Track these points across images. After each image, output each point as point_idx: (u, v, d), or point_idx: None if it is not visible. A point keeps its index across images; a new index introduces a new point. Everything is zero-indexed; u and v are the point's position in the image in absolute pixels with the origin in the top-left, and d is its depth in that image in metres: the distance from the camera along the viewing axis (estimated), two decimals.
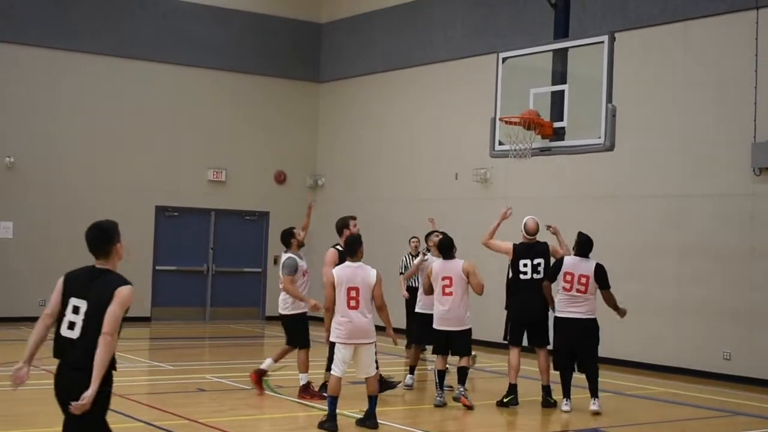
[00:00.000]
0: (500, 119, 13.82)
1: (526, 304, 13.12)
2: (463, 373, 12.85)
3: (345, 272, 10.90)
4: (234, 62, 24.53)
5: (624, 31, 16.03)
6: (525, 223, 13.49)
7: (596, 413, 12.32)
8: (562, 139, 13.39)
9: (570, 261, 12.72)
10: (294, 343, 12.94)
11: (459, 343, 12.89)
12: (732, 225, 16.59)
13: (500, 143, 14.01)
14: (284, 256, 13.15)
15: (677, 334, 17.13)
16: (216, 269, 24.19)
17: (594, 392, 12.52)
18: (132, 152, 23.14)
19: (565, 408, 12.57)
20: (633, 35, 17.32)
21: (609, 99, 12.59)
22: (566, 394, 12.64)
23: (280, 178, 25.19)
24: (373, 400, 10.88)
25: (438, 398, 12.78)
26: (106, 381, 6.51)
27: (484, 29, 21.00)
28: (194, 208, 24.09)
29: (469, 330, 13.00)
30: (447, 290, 12.87)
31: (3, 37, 21.79)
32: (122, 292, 6.47)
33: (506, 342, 13.48)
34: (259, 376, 13.03)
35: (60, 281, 6.70)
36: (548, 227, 13.86)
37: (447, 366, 13.11)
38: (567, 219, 18.78)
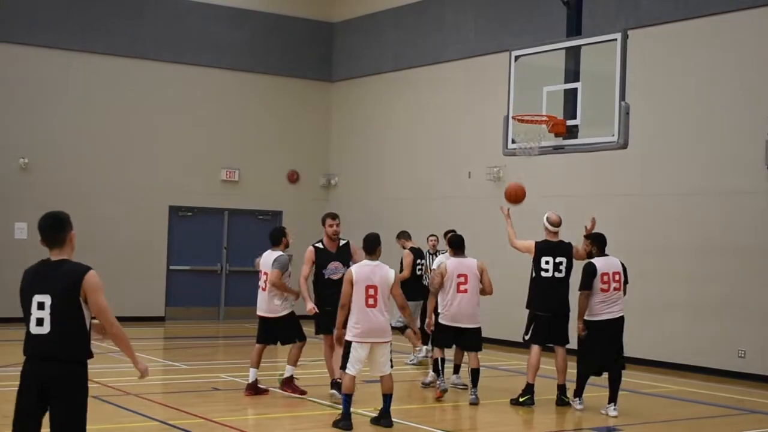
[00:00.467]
0: (513, 117, 13.82)
1: (548, 302, 12.99)
2: (477, 375, 12.94)
3: (363, 270, 10.89)
4: (246, 62, 24.56)
5: (637, 29, 16.02)
6: (548, 218, 13.47)
7: (615, 418, 12.24)
8: (576, 137, 13.39)
9: (601, 262, 12.55)
10: (299, 338, 12.93)
11: (471, 339, 13.04)
12: (747, 223, 16.55)
13: (513, 141, 14.02)
14: (275, 253, 13.01)
15: (692, 332, 17.09)
16: (230, 269, 24.22)
17: (615, 397, 12.42)
18: (145, 152, 23.19)
19: (579, 406, 12.52)
20: (646, 33, 17.28)
21: (622, 97, 12.58)
22: (581, 393, 12.59)
23: (293, 178, 25.22)
24: (388, 399, 10.89)
25: (441, 383, 13.06)
26: (85, 372, 6.61)
27: (496, 28, 20.99)
28: (208, 207, 24.13)
29: (480, 328, 13.00)
30: (462, 287, 12.90)
31: (17, 38, 21.86)
32: (92, 280, 6.52)
33: (525, 341, 13.36)
34: (289, 383, 13.05)
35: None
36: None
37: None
38: (580, 217, 18.75)
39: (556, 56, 13.82)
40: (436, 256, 16.39)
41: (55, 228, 6.76)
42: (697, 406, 13.65)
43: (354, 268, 10.93)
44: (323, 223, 13.03)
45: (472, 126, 21.29)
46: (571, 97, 13.38)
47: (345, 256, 12.79)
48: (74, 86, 22.43)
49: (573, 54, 13.59)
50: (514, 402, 12.95)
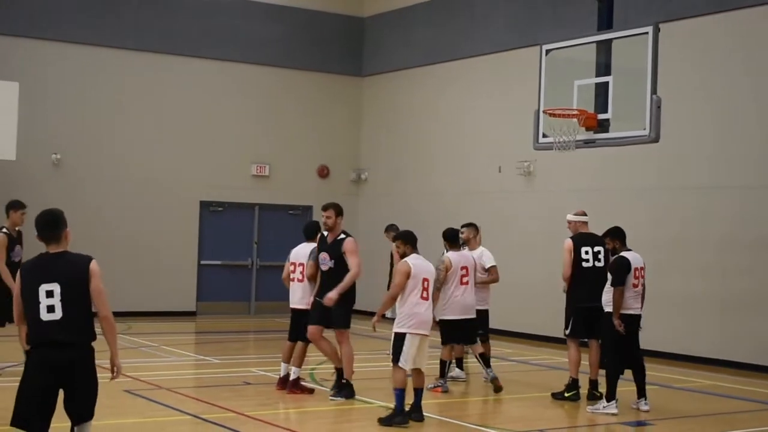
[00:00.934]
0: (544, 111, 13.80)
1: (591, 293, 12.67)
2: (487, 358, 13.50)
3: (418, 263, 10.98)
4: (277, 57, 24.61)
5: (668, 22, 15.91)
6: (575, 213, 13.50)
7: (646, 412, 12.15)
8: (607, 131, 13.35)
9: (632, 257, 12.27)
10: (302, 338, 12.81)
11: (474, 328, 13.35)
12: None
13: (544, 136, 13.99)
14: (311, 245, 12.97)
15: (723, 326, 17.00)
16: (260, 263, 24.30)
17: (645, 390, 12.31)
18: (176, 148, 23.30)
19: (615, 410, 12.05)
20: (677, 26, 17.19)
21: (654, 90, 12.53)
22: (615, 394, 12.21)
23: (324, 173, 25.26)
24: (419, 393, 10.90)
25: (443, 384, 13.28)
26: (94, 353, 7.13)
27: (526, 21, 20.93)
28: (238, 203, 24.20)
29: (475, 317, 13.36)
30: (465, 279, 13.09)
31: (49, 35, 22.00)
32: (96, 267, 7.18)
33: (566, 335, 13.23)
34: (295, 385, 12.87)
35: (18, 277, 7.22)
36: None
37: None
38: (611, 211, 18.71)
39: (587, 50, 13.78)
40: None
41: (51, 225, 7.36)
42: (728, 401, 13.58)
43: (410, 261, 10.92)
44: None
45: (502, 120, 21.25)
46: (602, 90, 13.34)
47: (336, 250, 12.27)
48: (106, 82, 22.55)
49: (604, 47, 13.55)
50: (559, 396, 12.88)
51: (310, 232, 13.22)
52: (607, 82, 13.30)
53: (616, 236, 12.51)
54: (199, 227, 23.66)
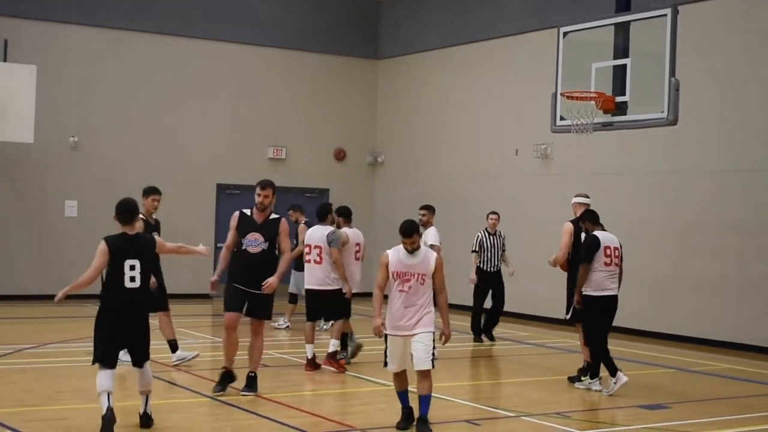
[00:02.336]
0: (562, 94, 13.76)
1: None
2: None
3: (393, 256, 10.20)
4: (293, 40, 24.58)
5: (687, 4, 15.82)
6: (582, 194, 13.65)
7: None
8: (625, 114, 13.31)
9: (604, 236, 12.40)
10: (347, 315, 13.31)
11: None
12: None
13: (561, 118, 13.97)
14: (325, 228, 13.30)
15: (741, 310, 16.94)
16: None
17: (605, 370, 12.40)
18: (193, 131, 23.33)
19: (599, 387, 12.29)
20: (696, 8, 17.09)
21: (672, 73, 12.49)
22: (599, 373, 12.39)
23: (340, 156, 25.25)
24: (422, 402, 9.80)
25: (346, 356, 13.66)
26: None
27: (543, 4, 20.84)
28: (255, 186, 24.19)
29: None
30: (357, 255, 13.92)
31: (67, 18, 22.02)
32: (159, 240, 9.78)
33: (567, 320, 13.32)
34: (332, 358, 13.15)
35: (104, 246, 9.16)
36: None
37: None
38: (628, 195, 18.69)
39: (605, 32, 13.73)
40: (496, 237, 16.77)
41: (132, 212, 9.47)
42: (746, 385, 13.55)
43: (390, 253, 9.68)
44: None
45: (519, 103, 21.19)
46: (620, 73, 13.30)
47: (271, 231, 11.45)
48: (123, 65, 22.58)
49: (622, 30, 13.50)
50: (575, 380, 12.92)
51: (322, 213, 13.47)
52: (625, 65, 13.26)
53: (586, 218, 12.62)
54: (216, 210, 23.69)
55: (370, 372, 12.94)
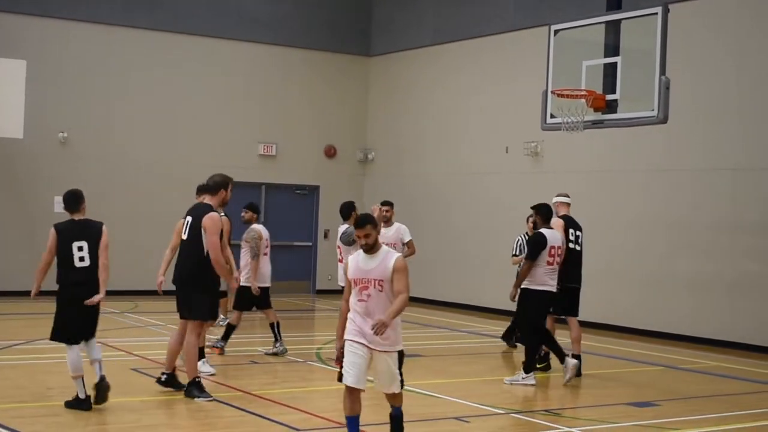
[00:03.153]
0: (552, 92, 13.78)
1: (576, 274, 13.43)
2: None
3: (352, 261, 8.65)
4: (285, 36, 24.56)
5: (677, 3, 15.84)
6: (562, 194, 13.91)
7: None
8: (615, 112, 13.34)
9: (550, 234, 12.67)
10: None
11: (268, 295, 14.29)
12: None
13: (552, 116, 13.99)
14: (343, 227, 13.48)
15: (731, 308, 16.98)
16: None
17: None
18: (183, 127, 23.28)
19: (533, 382, 12.47)
20: (686, 6, 17.10)
21: (662, 71, 12.52)
22: (534, 367, 12.66)
23: (331, 153, 25.24)
24: (392, 422, 8.98)
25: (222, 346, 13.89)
26: None
27: (535, 2, 20.84)
28: (245, 182, 24.12)
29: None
30: (266, 251, 14.58)
31: (57, 13, 21.96)
32: (105, 230, 10.44)
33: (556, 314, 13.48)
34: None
35: (53, 230, 10.26)
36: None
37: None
38: (618, 193, 18.73)
39: (596, 30, 13.75)
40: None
41: (76, 200, 10.49)
42: (734, 382, 13.59)
43: (352, 257, 8.43)
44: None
45: (510, 101, 21.20)
46: (610, 71, 13.33)
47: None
48: (114, 60, 22.52)
49: (613, 28, 13.52)
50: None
51: (345, 212, 13.69)
52: (616, 63, 13.29)
53: (540, 212, 12.81)
54: None
55: None
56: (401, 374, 8.38)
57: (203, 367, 12.07)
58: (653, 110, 12.62)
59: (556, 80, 13.89)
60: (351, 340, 8.15)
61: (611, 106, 13.27)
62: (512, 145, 21.09)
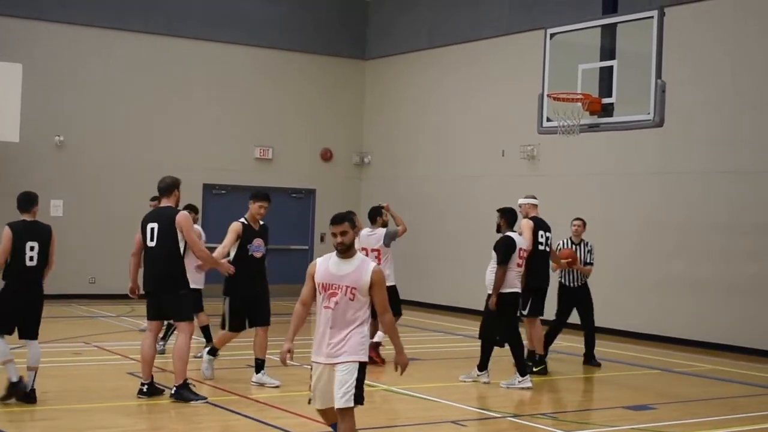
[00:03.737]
0: (548, 95, 13.78)
1: (545, 275, 13.74)
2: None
3: (320, 264, 7.93)
4: (281, 40, 24.56)
5: (674, 6, 15.85)
6: (530, 196, 14.25)
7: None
8: (611, 116, 13.34)
9: (517, 237, 12.88)
10: (396, 312, 13.54)
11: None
12: None
13: (548, 120, 13.99)
14: (377, 232, 13.98)
15: (726, 311, 16.99)
16: None
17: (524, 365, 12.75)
18: (180, 130, 23.28)
19: (487, 380, 12.73)
20: (683, 10, 17.13)
21: (658, 74, 12.52)
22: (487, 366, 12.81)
23: (327, 156, 25.24)
24: None
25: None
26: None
27: (531, 5, 20.87)
28: (241, 185, 24.15)
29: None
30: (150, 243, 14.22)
31: (54, 16, 21.96)
32: (54, 232, 10.86)
33: (523, 315, 13.55)
34: (375, 348, 13.67)
35: (8, 230, 10.53)
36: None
37: None
38: (614, 196, 18.74)
39: (592, 34, 13.75)
40: (581, 246, 14.76)
41: (28, 201, 10.90)
42: (730, 385, 13.60)
43: (319, 261, 7.75)
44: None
45: (506, 104, 21.21)
46: (606, 75, 13.33)
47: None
48: (110, 64, 22.52)
49: (609, 31, 13.52)
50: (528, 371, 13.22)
51: (371, 217, 14.18)
52: (612, 67, 13.28)
53: (506, 215, 12.93)
54: (202, 210, 23.59)
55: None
56: (360, 389, 7.40)
57: (265, 378, 12.04)
58: (649, 113, 12.61)
59: (552, 83, 13.89)
60: (313, 361, 7.61)
61: (607, 110, 13.27)
62: (508, 149, 21.09)
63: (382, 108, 25.22)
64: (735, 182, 17.01)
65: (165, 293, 10.94)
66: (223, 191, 24.03)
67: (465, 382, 12.79)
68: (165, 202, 11.45)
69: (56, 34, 22.02)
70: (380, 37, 25.26)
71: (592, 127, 13.84)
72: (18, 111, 19.48)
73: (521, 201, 14.15)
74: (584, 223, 15.04)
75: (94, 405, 10.64)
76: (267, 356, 12.20)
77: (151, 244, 11.10)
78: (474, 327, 18.88)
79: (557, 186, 19.83)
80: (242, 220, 12.45)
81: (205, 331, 14.26)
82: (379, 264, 13.17)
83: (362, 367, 7.46)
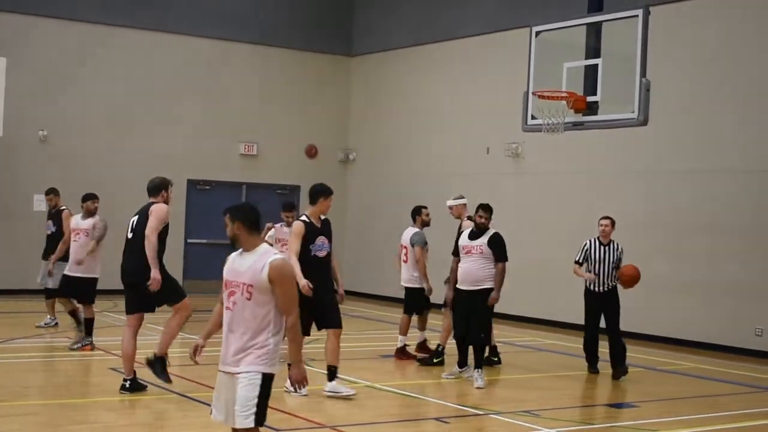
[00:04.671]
0: (533, 93, 13.80)
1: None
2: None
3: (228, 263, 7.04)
4: (266, 36, 24.53)
5: (659, 5, 15.87)
6: (462, 197, 14.44)
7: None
8: (596, 114, 13.38)
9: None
10: (419, 311, 14.50)
11: None
12: (765, 201, 16.49)
13: (533, 117, 14.01)
14: (412, 230, 14.52)
15: (710, 310, 17.06)
16: None
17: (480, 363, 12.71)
18: (164, 126, 23.21)
19: (468, 375, 12.77)
20: (668, 9, 17.15)
21: (643, 73, 12.55)
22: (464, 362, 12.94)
23: (312, 152, 25.22)
24: None
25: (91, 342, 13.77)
26: None
27: (517, 3, 20.88)
28: (226, 181, 24.15)
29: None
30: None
31: (37, 10, 21.86)
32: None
33: (445, 306, 13.65)
34: (422, 349, 14.40)
35: None
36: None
37: None
38: (599, 194, 18.77)
39: (577, 32, 13.78)
40: (610, 248, 13.74)
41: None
42: (713, 384, 13.65)
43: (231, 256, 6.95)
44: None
45: (491, 102, 21.22)
46: (591, 73, 13.36)
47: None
48: (93, 59, 22.43)
49: (594, 30, 13.56)
50: (428, 362, 13.78)
51: (414, 215, 14.76)
52: (597, 65, 13.31)
53: (489, 212, 12.95)
54: (186, 205, 23.59)
55: (340, 369, 12.92)
56: (262, 407, 6.51)
57: (341, 387, 11.36)
58: (633, 112, 12.65)
59: (538, 81, 13.91)
60: (219, 370, 6.73)
61: (592, 108, 13.30)
62: (493, 146, 21.11)
63: (367, 105, 25.22)
64: (720, 181, 17.06)
65: (142, 283, 10.91)
66: (207, 187, 24.00)
67: (447, 379, 12.80)
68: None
69: (41, 29, 21.93)
70: (366, 33, 25.25)
71: (577, 125, 13.88)
72: (1, 105, 19.40)
73: (452, 202, 14.22)
74: (613, 222, 13.90)
75: (76, 400, 10.62)
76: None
77: (129, 235, 11.22)
78: None
79: (542, 184, 19.87)
80: (303, 218, 11.32)
81: (88, 323, 14.10)
82: (404, 262, 13.57)
83: (266, 379, 6.51)
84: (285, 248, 13.61)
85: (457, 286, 12.75)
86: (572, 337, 16.83)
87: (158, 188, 11.68)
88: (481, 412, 10.89)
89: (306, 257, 11.06)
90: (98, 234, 14.48)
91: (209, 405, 9.89)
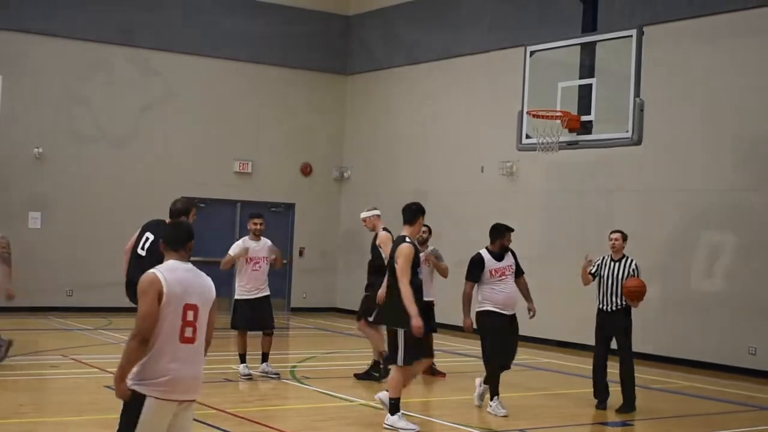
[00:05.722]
0: (528, 112, 13.87)
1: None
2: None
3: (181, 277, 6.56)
4: (261, 54, 24.59)
5: (652, 25, 15.98)
6: (368, 210, 14.36)
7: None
8: (590, 133, 13.44)
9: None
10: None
11: None
12: (756, 220, 16.54)
13: (527, 136, 14.08)
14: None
15: (703, 328, 17.08)
16: None
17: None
18: (159, 144, 23.25)
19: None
20: (661, 29, 17.25)
21: (637, 93, 12.63)
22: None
23: (307, 171, 25.25)
24: None
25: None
26: None
27: (511, 23, 20.97)
28: (220, 199, 24.16)
29: None
30: None
31: (34, 28, 21.91)
32: None
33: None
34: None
35: None
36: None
37: None
38: (592, 213, 18.82)
39: (571, 52, 13.87)
40: (622, 264, 12.74)
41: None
42: (707, 402, 13.67)
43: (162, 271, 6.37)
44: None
45: (486, 121, 21.29)
46: (585, 92, 13.44)
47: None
48: (89, 77, 22.45)
49: (588, 49, 13.65)
50: (363, 377, 13.62)
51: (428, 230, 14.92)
52: (591, 84, 13.40)
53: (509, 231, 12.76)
54: None
55: (335, 387, 12.94)
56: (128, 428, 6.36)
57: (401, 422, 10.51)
58: (627, 131, 12.73)
59: (532, 101, 13.99)
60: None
61: (586, 127, 13.38)
62: (488, 165, 21.16)
63: (362, 123, 25.27)
64: (713, 200, 17.12)
65: None
66: (202, 204, 23.98)
67: (490, 413, 11.79)
68: None
69: (37, 46, 21.97)
70: (361, 52, 25.33)
71: (571, 145, 13.95)
72: None
73: (365, 214, 13.97)
74: (624, 237, 12.80)
75: (71, 418, 10.60)
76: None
77: (141, 252, 11.05)
78: (452, 343, 18.92)
79: (536, 202, 19.92)
80: (408, 240, 10.51)
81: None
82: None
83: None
84: (257, 266, 13.65)
85: (500, 311, 11.85)
86: (567, 355, 16.85)
87: (180, 213, 11.48)
88: (476, 431, 10.89)
89: (413, 284, 10.21)
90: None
91: (206, 423, 9.92)
